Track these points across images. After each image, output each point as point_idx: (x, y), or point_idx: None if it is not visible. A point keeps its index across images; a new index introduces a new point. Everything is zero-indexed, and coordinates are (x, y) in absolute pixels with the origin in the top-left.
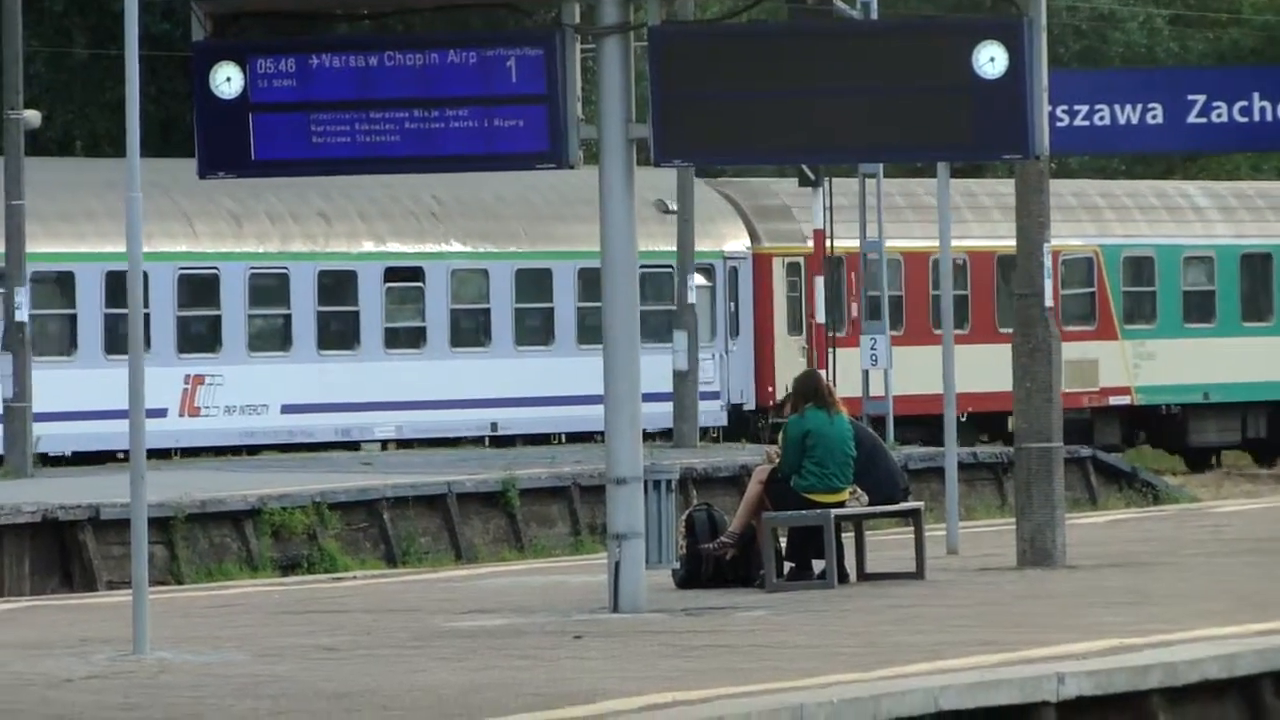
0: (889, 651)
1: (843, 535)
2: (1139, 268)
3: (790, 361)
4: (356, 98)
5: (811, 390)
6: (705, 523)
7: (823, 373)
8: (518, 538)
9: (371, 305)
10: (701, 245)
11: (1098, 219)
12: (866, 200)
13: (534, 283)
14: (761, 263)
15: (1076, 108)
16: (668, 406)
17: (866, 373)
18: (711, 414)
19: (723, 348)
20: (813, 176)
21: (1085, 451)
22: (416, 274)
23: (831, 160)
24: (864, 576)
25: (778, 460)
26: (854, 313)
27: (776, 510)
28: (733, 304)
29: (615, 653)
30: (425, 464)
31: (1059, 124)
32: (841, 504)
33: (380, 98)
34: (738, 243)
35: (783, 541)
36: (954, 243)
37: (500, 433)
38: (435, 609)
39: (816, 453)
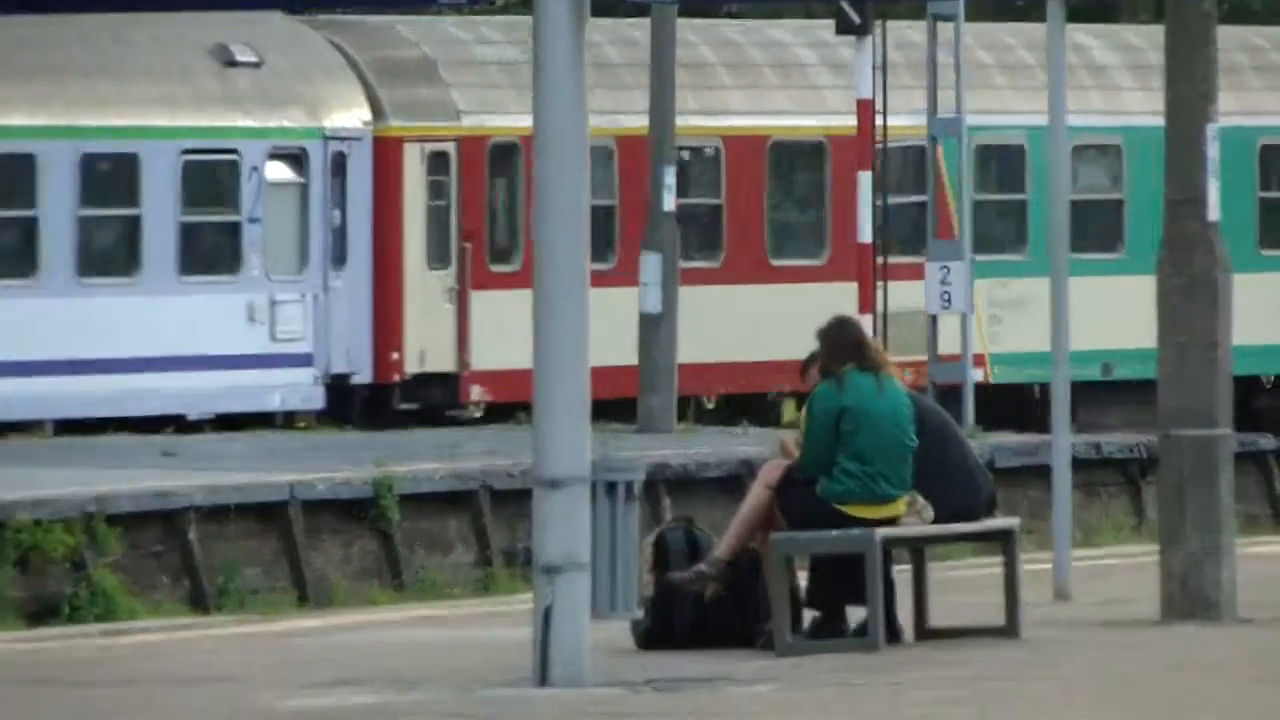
0: None
1: (894, 569)
2: (1001, 161)
3: (431, 310)
4: None
5: (851, 344)
6: (683, 548)
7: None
8: (395, 570)
9: None
10: (286, 119)
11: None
12: (937, 56)
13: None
14: (387, 150)
15: None
16: (254, 376)
17: (934, 319)
18: (297, 389)
19: (318, 284)
20: (857, 18)
21: (1268, 442)
22: None
23: None
24: (925, 633)
25: (798, 454)
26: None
27: (793, 529)
28: (338, 214)
29: None
30: (256, 453)
31: None
32: (894, 521)
33: None
34: (348, 116)
35: (802, 578)
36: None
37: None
38: (264, 680)
39: (858, 442)
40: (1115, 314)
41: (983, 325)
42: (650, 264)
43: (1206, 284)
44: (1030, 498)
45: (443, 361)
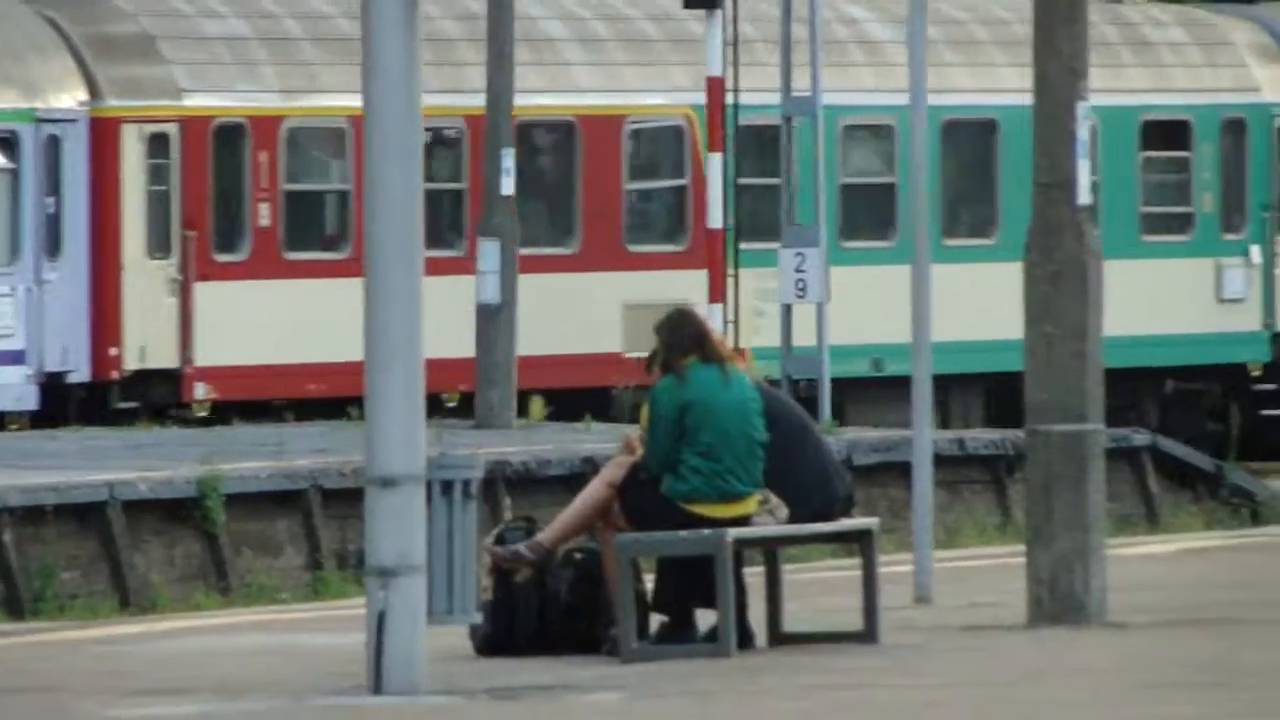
0: None
1: (746, 571)
2: (760, 141)
3: (152, 303)
4: None
5: (692, 337)
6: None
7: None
8: (221, 573)
9: None
10: None
11: (691, 59)
12: (790, 30)
13: None
14: (104, 132)
15: None
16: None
17: (789, 309)
18: (9, 389)
19: (30, 277)
20: None
21: (1141, 438)
22: None
23: None
24: (779, 638)
25: (641, 450)
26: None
27: (638, 529)
28: (52, 201)
29: None
30: (74, 449)
31: None
32: (746, 520)
33: None
34: (62, 96)
35: (649, 582)
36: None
37: None
38: (85, 689)
39: (703, 437)
40: (889, 305)
41: (747, 320)
42: (488, 251)
43: (1075, 271)
44: (890, 496)
45: (164, 358)
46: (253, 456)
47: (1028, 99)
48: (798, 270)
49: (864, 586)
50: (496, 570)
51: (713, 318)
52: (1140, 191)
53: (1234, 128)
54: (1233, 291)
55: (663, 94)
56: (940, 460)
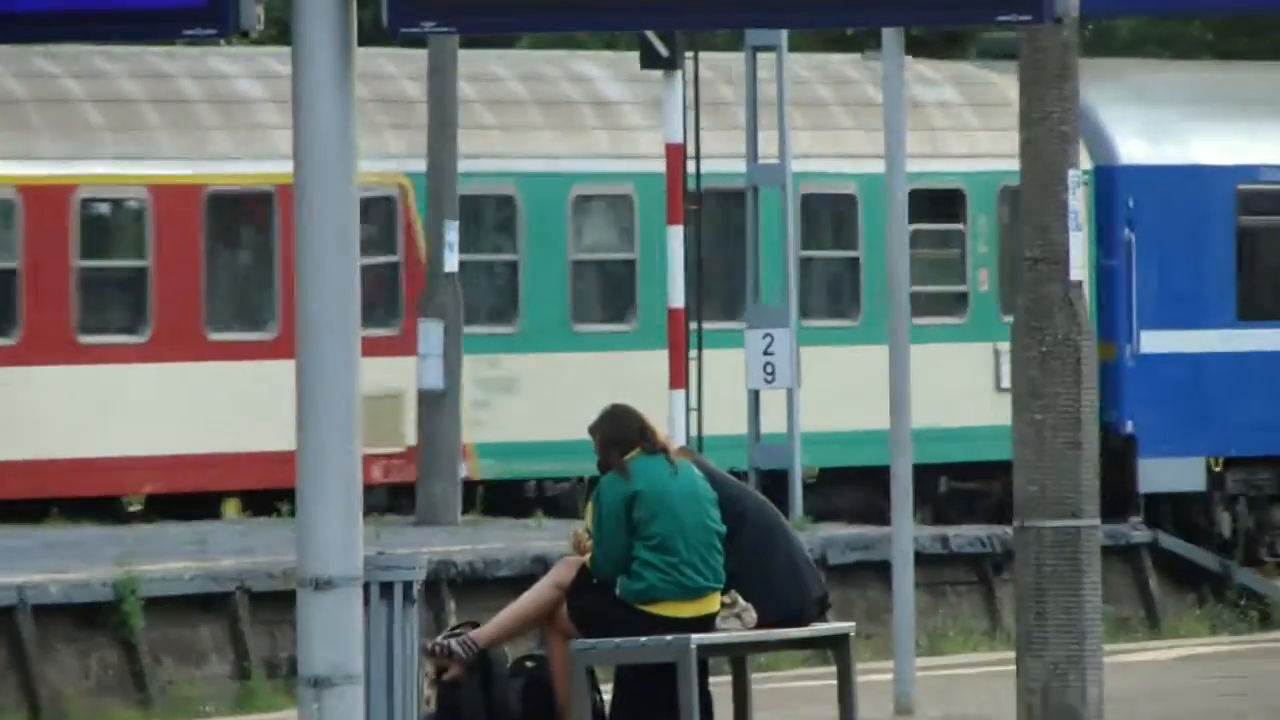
0: None
1: (711, 680)
2: (481, 213)
3: None
4: None
5: (631, 430)
6: (470, 657)
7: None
8: (140, 683)
9: None
10: None
11: (407, 124)
12: (758, 92)
13: None
14: None
15: None
16: None
17: (756, 395)
18: None
19: None
20: (664, 50)
21: (1141, 534)
22: None
23: (697, 24)
24: None
25: (589, 550)
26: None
27: (590, 635)
28: None
29: None
30: None
31: None
32: (709, 620)
33: None
34: None
35: (607, 692)
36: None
37: None
38: None
39: (655, 528)
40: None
41: (468, 411)
42: (430, 333)
43: (1068, 353)
44: (868, 598)
45: None
46: (173, 556)
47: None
48: (765, 353)
49: (840, 697)
50: (440, 679)
51: (673, 404)
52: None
53: (1013, 197)
54: None
55: (375, 160)
56: (922, 559)
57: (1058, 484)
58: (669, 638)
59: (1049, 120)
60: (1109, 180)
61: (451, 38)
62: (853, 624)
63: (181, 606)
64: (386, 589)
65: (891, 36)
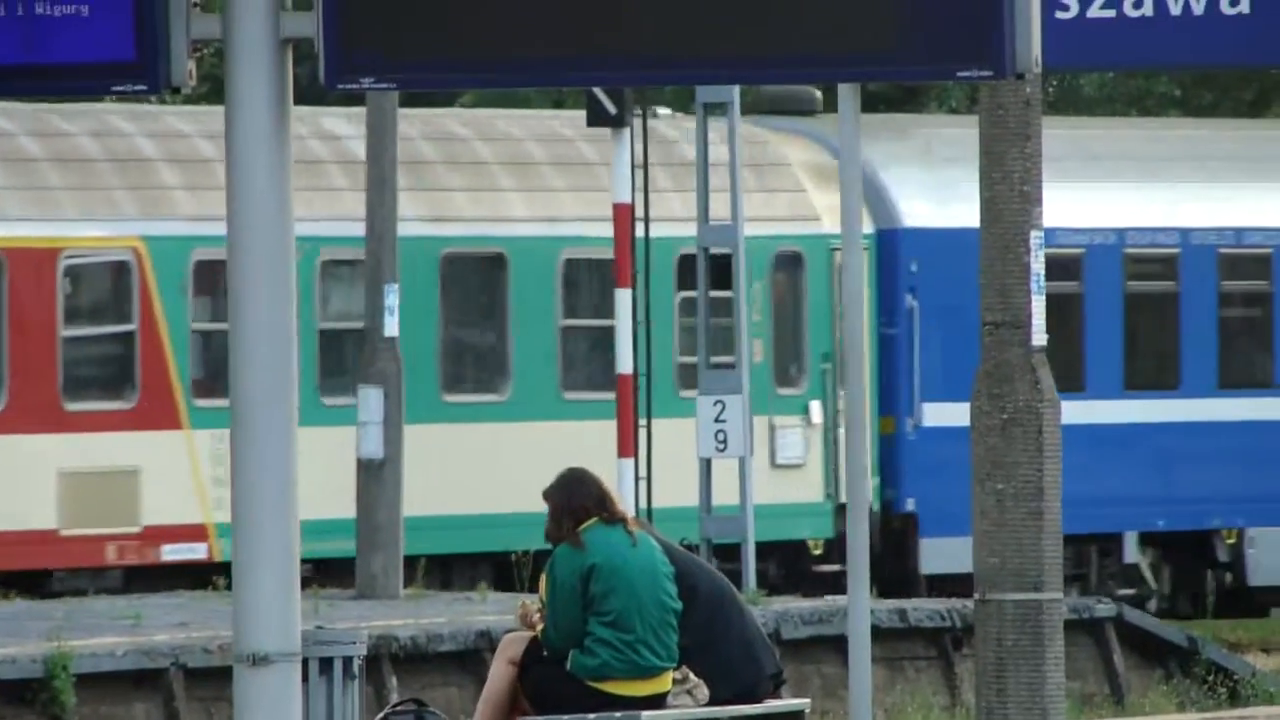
0: None
1: None
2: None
3: None
4: None
5: (590, 498)
6: None
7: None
8: None
9: None
10: None
11: (141, 184)
12: (708, 152)
13: None
14: None
15: None
16: None
17: (708, 463)
18: None
19: None
20: (613, 109)
21: (1105, 608)
22: None
23: (647, 79)
24: None
25: (540, 624)
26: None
27: (541, 712)
28: None
29: None
30: None
31: (1061, 14)
32: (661, 700)
33: None
34: None
35: None
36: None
37: None
38: None
39: (611, 603)
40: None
41: (205, 492)
42: (370, 400)
43: (1030, 421)
44: (823, 674)
45: None
46: (106, 631)
47: (537, 229)
48: (717, 420)
49: None
50: None
51: (623, 474)
52: (677, 338)
53: (789, 263)
54: (789, 456)
55: (106, 224)
56: (879, 633)
57: (1019, 556)
58: (619, 715)
59: (1010, 179)
60: (891, 243)
61: (391, 95)
62: (808, 700)
63: (115, 683)
64: (326, 664)
65: (847, 93)
